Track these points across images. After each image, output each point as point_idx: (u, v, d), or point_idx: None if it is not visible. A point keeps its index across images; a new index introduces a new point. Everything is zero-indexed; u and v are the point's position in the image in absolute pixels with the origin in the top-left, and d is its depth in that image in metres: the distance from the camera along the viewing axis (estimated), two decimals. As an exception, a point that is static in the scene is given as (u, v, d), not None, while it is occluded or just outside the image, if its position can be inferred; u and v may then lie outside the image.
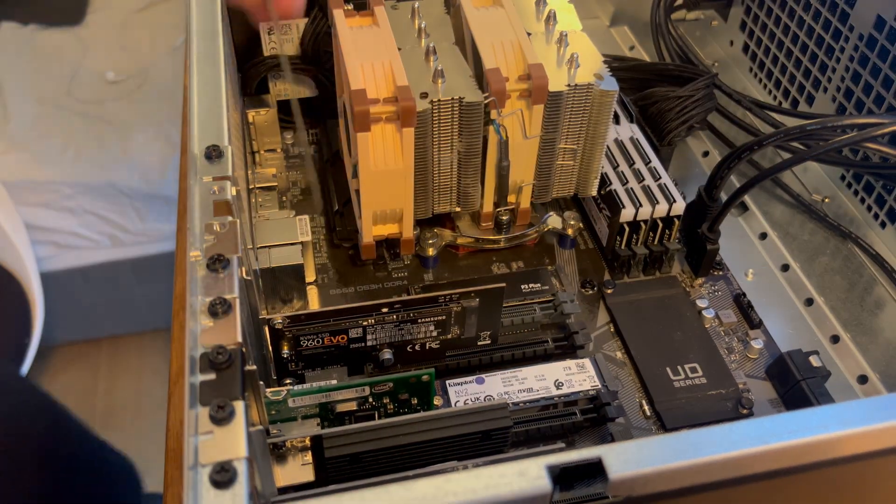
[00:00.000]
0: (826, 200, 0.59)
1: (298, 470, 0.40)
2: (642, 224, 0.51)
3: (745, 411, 0.45)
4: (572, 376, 0.45)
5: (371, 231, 0.50)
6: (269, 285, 0.48)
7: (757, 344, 0.49)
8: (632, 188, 0.51)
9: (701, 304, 0.51)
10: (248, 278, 0.36)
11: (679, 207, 0.50)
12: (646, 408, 0.46)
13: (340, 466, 0.37)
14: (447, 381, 0.45)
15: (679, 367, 0.47)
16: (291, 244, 0.49)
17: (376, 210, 0.49)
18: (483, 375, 0.45)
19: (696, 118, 0.58)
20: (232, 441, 0.27)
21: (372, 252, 0.51)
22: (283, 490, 0.39)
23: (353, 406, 0.41)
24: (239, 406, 0.28)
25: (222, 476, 0.26)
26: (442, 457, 0.37)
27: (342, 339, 0.43)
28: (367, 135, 0.45)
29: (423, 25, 0.49)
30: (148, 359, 1.37)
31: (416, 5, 0.50)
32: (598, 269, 0.54)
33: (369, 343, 0.44)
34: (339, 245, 0.54)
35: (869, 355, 0.50)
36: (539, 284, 0.51)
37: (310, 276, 0.52)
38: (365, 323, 0.43)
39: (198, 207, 0.35)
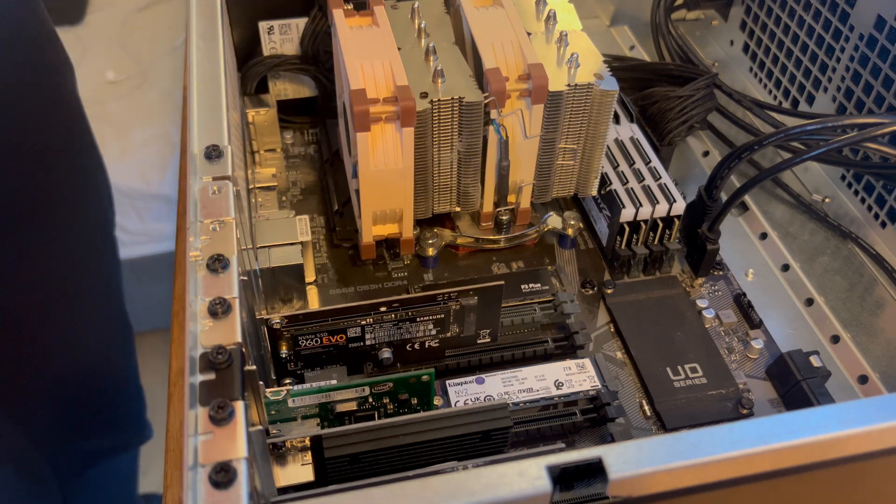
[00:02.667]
0: (826, 200, 0.59)
1: (298, 470, 0.40)
2: (642, 224, 0.51)
3: (745, 411, 0.45)
4: (572, 376, 0.45)
5: (371, 231, 0.50)
6: (269, 285, 0.48)
7: (757, 344, 0.49)
8: (632, 188, 0.51)
9: (701, 304, 0.51)
10: (244, 279, 0.36)
11: (679, 207, 0.50)
12: (646, 408, 0.46)
13: (340, 466, 0.37)
14: (447, 381, 0.45)
15: (679, 367, 0.47)
16: (291, 244, 0.48)
17: (376, 210, 0.49)
18: (483, 375, 0.45)
19: (696, 118, 0.58)
20: (231, 441, 0.27)
21: (372, 252, 0.51)
22: (283, 490, 0.39)
23: (352, 406, 0.41)
24: (238, 406, 0.28)
25: (222, 476, 0.26)
26: (442, 457, 0.37)
27: (341, 338, 0.43)
28: (366, 135, 0.45)
29: (422, 25, 0.49)
30: (148, 359, 1.37)
31: (416, 5, 0.50)
32: (598, 269, 0.54)
33: (368, 342, 0.44)
34: (339, 245, 0.54)
35: (869, 355, 0.50)
36: (539, 284, 0.51)
37: (310, 276, 0.52)
38: (363, 322, 0.43)
39: (198, 207, 0.35)
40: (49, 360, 0.65)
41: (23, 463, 0.66)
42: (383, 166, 0.46)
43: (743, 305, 0.51)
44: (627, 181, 0.51)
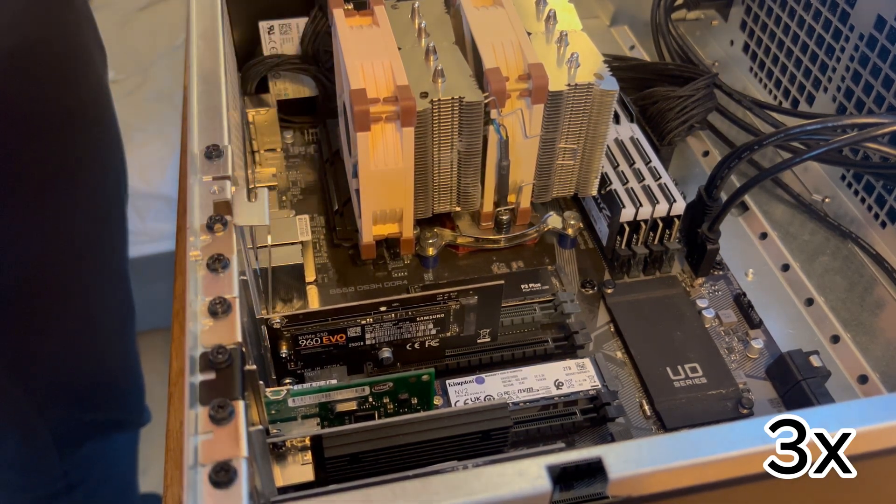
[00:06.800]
0: (826, 200, 0.59)
1: (298, 470, 0.40)
2: (642, 224, 0.51)
3: (745, 411, 0.45)
4: (572, 376, 0.45)
5: (371, 231, 0.50)
6: (270, 285, 0.48)
7: (757, 344, 0.49)
8: (632, 188, 0.51)
9: (701, 303, 0.51)
10: (244, 278, 0.36)
11: (679, 207, 0.50)
12: (646, 408, 0.46)
13: (340, 466, 0.37)
14: (447, 381, 0.45)
15: (679, 367, 0.47)
16: (291, 244, 0.49)
17: (376, 210, 0.49)
18: (483, 375, 0.45)
19: (696, 118, 0.58)
20: (232, 441, 0.27)
21: (372, 252, 0.51)
22: (283, 490, 0.39)
23: (352, 406, 0.41)
24: (239, 406, 0.28)
25: (222, 476, 0.26)
26: (442, 457, 0.37)
27: (341, 338, 0.43)
28: (366, 134, 0.45)
29: (423, 25, 0.49)
30: (148, 359, 1.37)
31: (416, 5, 0.50)
32: (598, 269, 0.54)
33: (368, 342, 0.44)
34: (339, 245, 0.54)
35: (869, 355, 0.50)
36: (539, 284, 0.51)
37: (310, 275, 0.52)
38: (363, 322, 0.43)
39: (197, 207, 0.35)
40: (58, 328, 0.66)
41: (27, 430, 0.67)
42: (383, 166, 0.46)
43: (743, 305, 0.51)
44: (627, 181, 0.51)
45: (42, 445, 0.70)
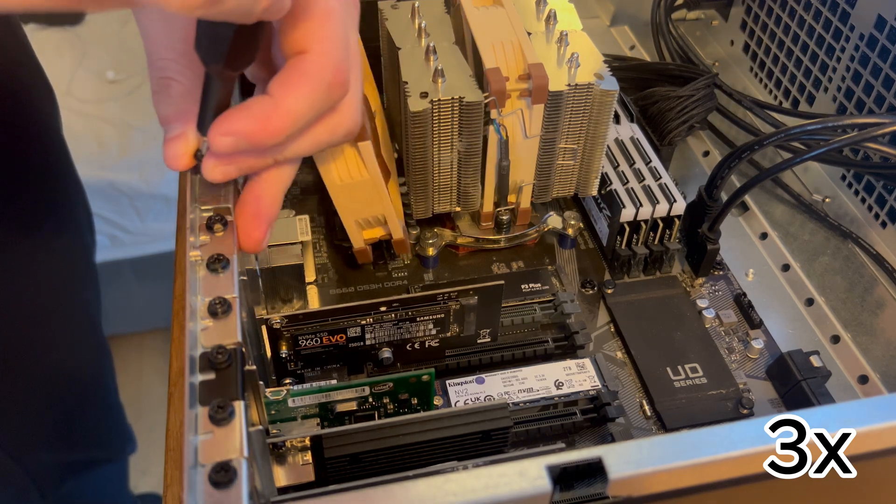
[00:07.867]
0: (826, 200, 0.59)
1: (298, 470, 0.40)
2: (642, 224, 0.51)
3: (745, 411, 0.45)
4: (572, 376, 0.45)
5: (360, 237, 0.49)
6: (269, 285, 0.48)
7: (757, 344, 0.49)
8: (632, 188, 0.51)
9: (701, 303, 0.51)
10: (244, 278, 0.36)
11: (679, 207, 0.50)
12: (646, 408, 0.46)
13: (340, 466, 0.37)
14: (447, 381, 0.45)
15: (679, 367, 0.47)
16: (291, 244, 0.48)
17: (357, 218, 0.48)
18: (483, 375, 0.45)
19: (696, 118, 0.58)
20: (231, 441, 0.27)
21: (367, 256, 0.50)
22: (283, 490, 0.39)
23: (352, 406, 0.41)
24: (238, 406, 0.28)
25: (222, 476, 0.26)
26: (442, 457, 0.37)
27: (340, 338, 0.43)
28: (323, 153, 0.44)
29: (422, 25, 0.49)
30: (148, 359, 1.37)
31: (416, 5, 0.50)
32: (598, 269, 0.54)
33: (368, 342, 0.44)
34: (339, 245, 0.54)
35: (869, 355, 0.50)
36: (539, 284, 0.51)
37: (310, 275, 0.52)
38: (363, 322, 0.43)
39: (197, 207, 0.35)
40: (28, 384, 0.66)
41: (2, 475, 0.66)
42: (349, 179, 0.44)
43: (743, 305, 0.51)
44: (627, 181, 0.51)
45: (21, 486, 0.69)
